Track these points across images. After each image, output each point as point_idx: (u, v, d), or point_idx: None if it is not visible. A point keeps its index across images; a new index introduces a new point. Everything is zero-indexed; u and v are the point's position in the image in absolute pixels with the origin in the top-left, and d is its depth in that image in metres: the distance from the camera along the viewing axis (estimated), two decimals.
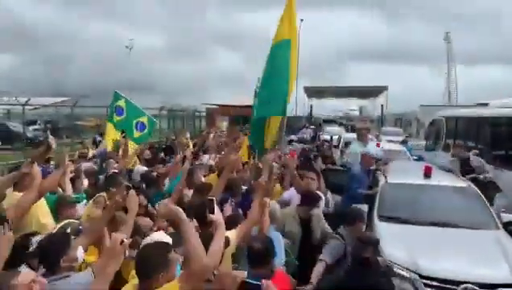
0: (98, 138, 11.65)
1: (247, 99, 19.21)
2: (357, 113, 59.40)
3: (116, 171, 5.95)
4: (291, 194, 5.60)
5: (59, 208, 4.03)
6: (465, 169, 7.76)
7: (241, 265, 3.36)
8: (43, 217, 3.81)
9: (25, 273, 2.29)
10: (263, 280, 2.33)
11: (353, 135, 12.96)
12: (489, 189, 6.92)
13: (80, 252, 2.77)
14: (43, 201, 3.91)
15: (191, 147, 9.90)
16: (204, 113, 31.17)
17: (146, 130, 7.83)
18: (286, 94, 6.04)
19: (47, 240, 2.78)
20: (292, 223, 4.79)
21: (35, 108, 23.52)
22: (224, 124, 27.12)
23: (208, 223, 2.87)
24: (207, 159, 8.51)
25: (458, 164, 8.01)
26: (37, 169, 3.80)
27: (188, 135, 13.71)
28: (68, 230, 3.12)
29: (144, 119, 7.84)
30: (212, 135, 13.10)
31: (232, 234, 3.23)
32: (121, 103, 7.70)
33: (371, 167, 7.08)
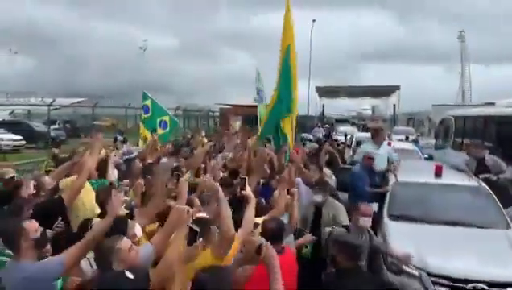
0: (119, 138, 11.94)
1: None
2: (369, 112, 58.94)
3: (150, 161, 6.46)
4: (298, 182, 5.68)
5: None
6: (480, 169, 7.65)
7: None
8: (88, 201, 4.03)
9: (125, 240, 2.60)
10: (262, 239, 2.47)
11: (366, 135, 12.96)
12: (501, 189, 6.81)
13: (137, 229, 3.10)
14: (88, 186, 4.19)
15: (207, 145, 10.03)
16: (217, 113, 31.33)
17: (168, 129, 8.56)
18: (290, 94, 6.25)
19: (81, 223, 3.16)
20: (308, 208, 5.20)
21: (56, 108, 24.00)
22: (237, 124, 27.20)
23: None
24: (221, 157, 8.59)
25: (474, 163, 7.90)
26: (87, 157, 4.12)
27: (204, 134, 13.85)
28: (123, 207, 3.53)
29: (167, 118, 8.54)
30: (226, 137, 13.17)
31: (261, 220, 3.55)
32: (148, 102, 8.38)
33: (381, 168, 7.09)
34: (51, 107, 19.71)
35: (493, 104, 12.77)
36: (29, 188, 3.98)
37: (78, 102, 27.56)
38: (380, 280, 3.32)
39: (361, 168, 6.99)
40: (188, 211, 2.76)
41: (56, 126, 24.31)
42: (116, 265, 2.43)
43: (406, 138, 16.68)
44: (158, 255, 2.74)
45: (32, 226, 2.59)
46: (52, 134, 20.03)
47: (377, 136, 8.22)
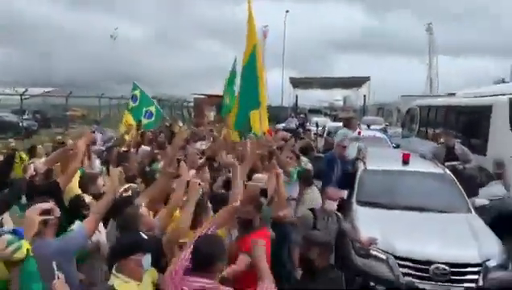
0: (95, 127, 11.82)
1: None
2: (341, 103, 59.64)
3: (125, 149, 6.74)
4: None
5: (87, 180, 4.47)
6: (449, 157, 7.89)
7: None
8: (76, 186, 4.22)
9: (144, 208, 3.14)
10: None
11: (337, 125, 13.22)
12: (468, 178, 7.05)
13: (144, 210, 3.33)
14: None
15: (185, 133, 10.14)
16: (192, 104, 31.01)
17: (153, 119, 8.83)
18: (257, 88, 6.32)
19: (119, 200, 3.39)
20: None
21: (25, 98, 23.18)
22: (212, 114, 27.04)
23: None
24: (199, 145, 8.66)
25: (444, 151, 8.14)
26: (81, 144, 4.25)
27: (181, 124, 13.80)
28: (130, 192, 3.85)
29: (153, 109, 8.97)
30: (202, 127, 13.15)
31: None
32: (137, 92, 8.72)
33: (352, 156, 7.23)
34: (23, 97, 19.03)
35: (453, 94, 13.47)
36: (31, 171, 4.15)
37: (48, 92, 26.68)
38: (341, 282, 3.30)
39: (333, 156, 7.08)
40: (199, 184, 3.19)
41: (26, 117, 23.49)
42: (141, 228, 2.91)
43: (368, 126, 17.22)
44: (164, 225, 3.20)
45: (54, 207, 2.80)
46: (24, 124, 19.37)
47: (350, 125, 8.38)
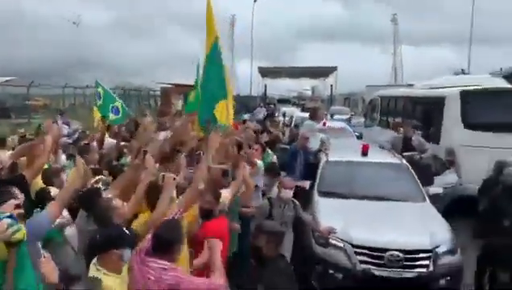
0: (59, 117, 11.53)
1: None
2: (309, 92, 60.28)
3: (87, 143, 6.68)
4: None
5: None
6: (407, 147, 8.20)
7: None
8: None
9: (118, 200, 3.19)
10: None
11: (305, 115, 13.42)
12: (424, 168, 7.38)
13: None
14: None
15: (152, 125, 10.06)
16: (158, 92, 30.55)
17: (120, 115, 8.77)
18: (224, 80, 6.29)
19: (88, 190, 3.54)
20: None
21: None
22: (179, 102, 26.72)
23: None
24: (164, 135, 8.62)
25: (401, 142, 8.46)
26: (49, 138, 4.25)
27: (148, 114, 13.61)
28: (100, 184, 3.94)
29: (118, 104, 8.84)
30: (168, 117, 13.00)
31: (227, 192, 4.09)
32: (100, 90, 8.83)
33: (315, 148, 7.39)
34: None
35: (412, 85, 14.13)
36: None
37: (7, 81, 25.54)
38: (291, 271, 3.45)
39: (296, 148, 7.22)
40: (174, 178, 3.33)
41: None
42: (115, 220, 2.98)
43: (332, 115, 17.80)
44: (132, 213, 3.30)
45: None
46: None
47: (316, 115, 8.55)
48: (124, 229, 2.68)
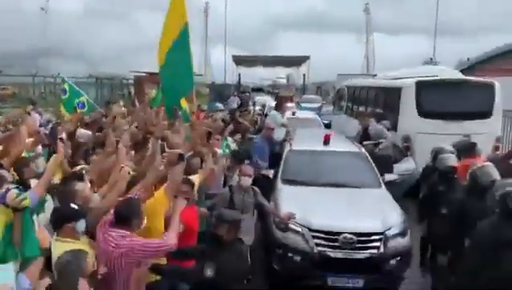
0: (31, 108, 11.35)
1: None
2: (284, 81, 60.55)
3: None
4: None
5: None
6: (366, 136, 8.59)
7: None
8: None
9: (82, 184, 3.48)
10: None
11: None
12: (382, 158, 7.77)
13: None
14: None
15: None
16: (131, 81, 30.10)
17: (85, 109, 8.88)
18: (191, 68, 6.32)
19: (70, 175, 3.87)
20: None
21: None
22: (153, 92, 26.39)
23: None
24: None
25: (361, 132, 8.86)
26: (24, 129, 4.54)
27: (122, 104, 13.47)
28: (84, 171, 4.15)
29: (84, 99, 9.00)
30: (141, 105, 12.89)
31: (196, 177, 4.38)
32: (66, 86, 9.01)
33: (280, 137, 7.64)
34: None
35: (375, 75, 15.08)
36: None
37: None
38: (246, 254, 3.78)
39: (261, 138, 7.45)
40: (129, 172, 3.70)
41: None
42: (76, 201, 3.24)
43: (294, 101, 18.83)
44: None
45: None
46: None
47: (281, 106, 8.80)
48: (73, 205, 3.04)
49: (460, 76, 10.71)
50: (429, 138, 7.75)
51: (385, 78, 11.88)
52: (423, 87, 8.82)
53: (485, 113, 8.74)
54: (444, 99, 8.60)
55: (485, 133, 8.11)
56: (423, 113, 8.68)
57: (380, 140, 8.23)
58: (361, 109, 11.79)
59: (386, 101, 10.19)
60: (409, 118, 8.78)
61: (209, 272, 3.26)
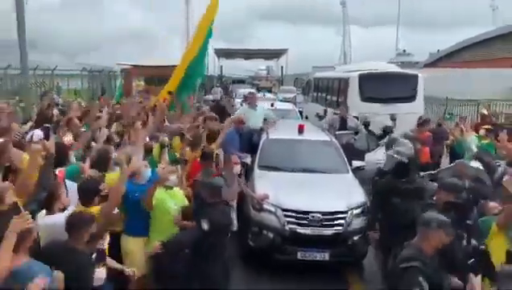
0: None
1: (162, 60, 19.16)
2: (265, 72, 60.51)
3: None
4: None
5: None
6: (342, 127, 9.02)
7: None
8: None
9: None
10: None
11: (258, 95, 14.10)
12: (354, 145, 8.26)
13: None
14: None
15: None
16: (118, 73, 29.77)
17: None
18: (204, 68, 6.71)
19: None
20: None
21: None
22: (142, 83, 26.19)
23: None
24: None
25: (338, 122, 9.25)
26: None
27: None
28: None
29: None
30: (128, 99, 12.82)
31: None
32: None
33: (257, 126, 7.92)
34: None
35: (334, 68, 17.51)
36: None
37: None
38: (228, 214, 4.31)
39: (233, 131, 7.62)
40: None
41: None
42: None
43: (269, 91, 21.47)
44: None
45: None
46: None
47: (250, 100, 9.05)
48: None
49: (398, 69, 13.12)
50: (371, 116, 9.25)
51: (339, 71, 14.04)
52: (363, 78, 10.78)
53: (411, 98, 10.62)
54: (380, 87, 10.56)
55: (411, 113, 9.55)
56: (364, 98, 10.54)
57: (356, 133, 8.69)
58: (323, 96, 13.68)
59: (339, 89, 11.92)
60: (354, 102, 10.45)
61: (205, 225, 3.70)
